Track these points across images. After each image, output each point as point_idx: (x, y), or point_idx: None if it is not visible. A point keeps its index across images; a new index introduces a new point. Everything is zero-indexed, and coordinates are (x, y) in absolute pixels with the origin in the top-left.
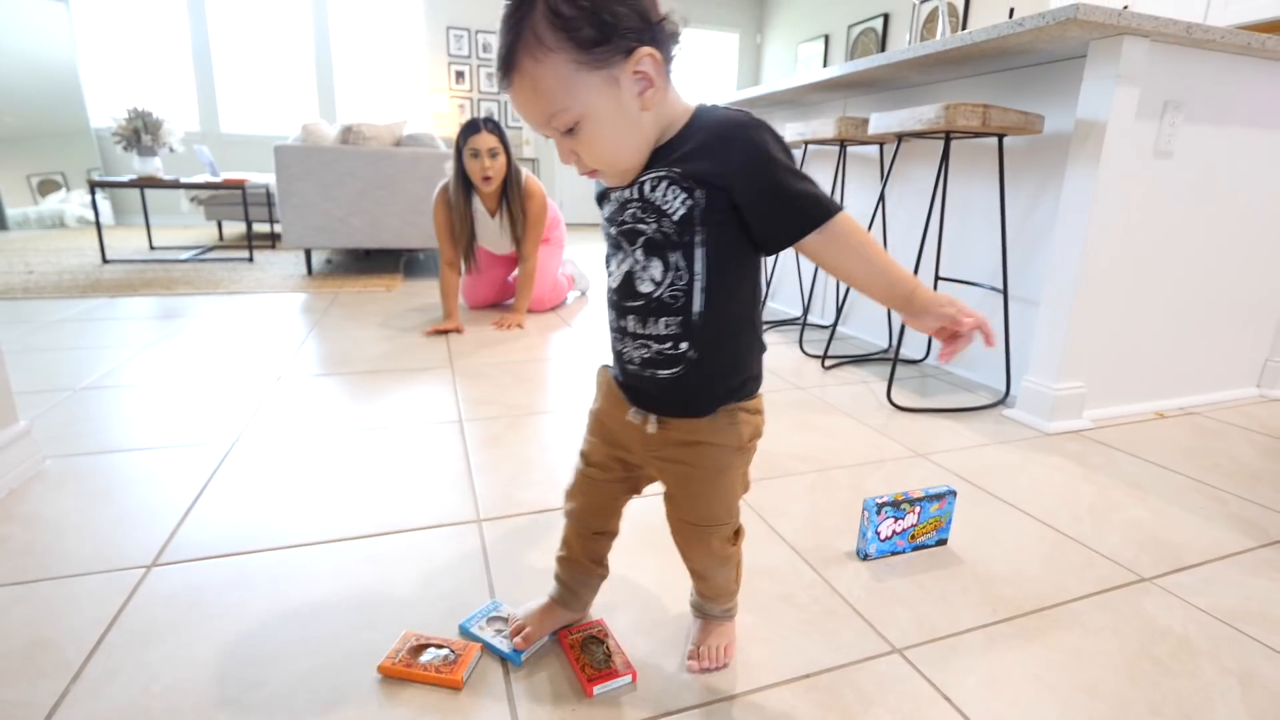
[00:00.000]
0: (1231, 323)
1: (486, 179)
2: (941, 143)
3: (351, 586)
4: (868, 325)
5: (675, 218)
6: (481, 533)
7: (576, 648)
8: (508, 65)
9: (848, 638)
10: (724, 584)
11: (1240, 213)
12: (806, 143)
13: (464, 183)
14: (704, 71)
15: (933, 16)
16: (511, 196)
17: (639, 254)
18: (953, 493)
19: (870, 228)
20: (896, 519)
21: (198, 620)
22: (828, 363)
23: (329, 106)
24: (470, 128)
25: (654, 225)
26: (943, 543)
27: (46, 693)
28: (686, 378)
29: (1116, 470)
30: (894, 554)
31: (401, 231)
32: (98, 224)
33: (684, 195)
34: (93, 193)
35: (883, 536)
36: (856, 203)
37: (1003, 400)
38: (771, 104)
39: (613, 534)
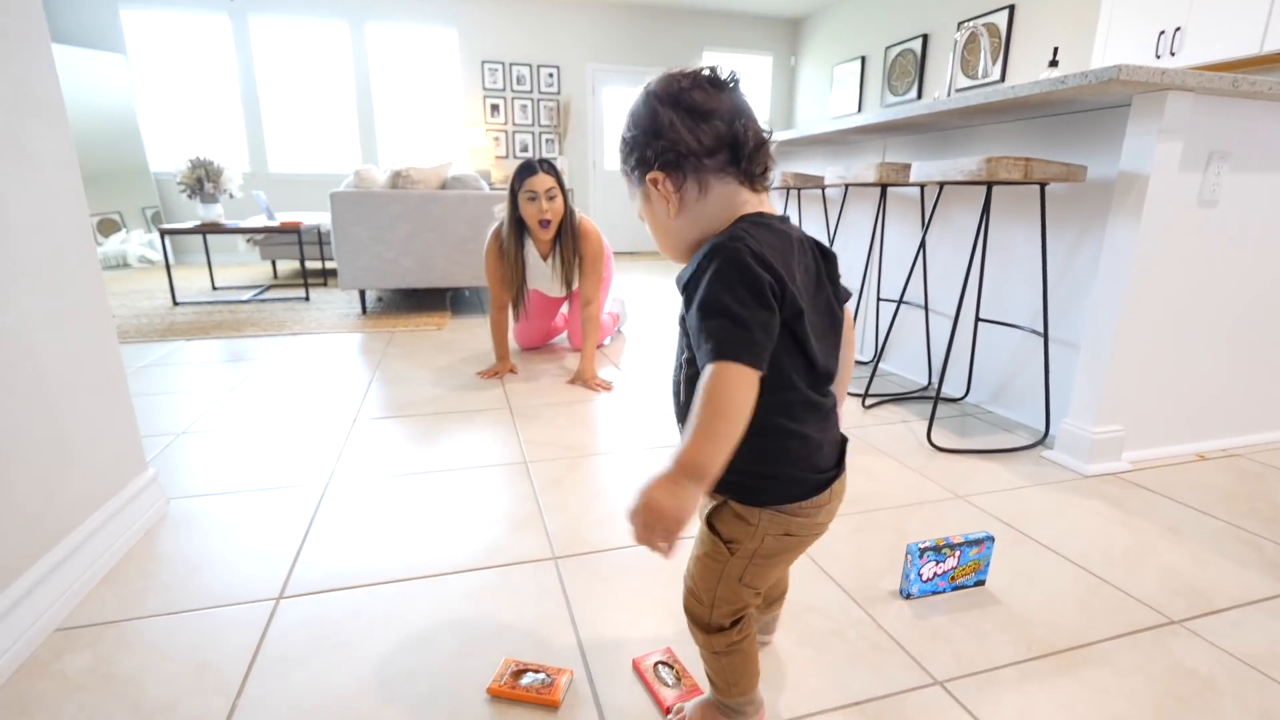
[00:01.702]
0: (1276, 364)
1: (545, 223)
2: (984, 188)
3: (452, 618)
4: (908, 362)
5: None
6: (558, 569)
7: (649, 672)
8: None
9: (893, 670)
10: (711, 673)
11: None
12: (847, 185)
13: (518, 226)
14: None
15: (973, 40)
16: (565, 239)
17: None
18: (990, 538)
19: (911, 269)
20: (938, 562)
21: (328, 648)
22: (868, 401)
23: (370, 142)
24: (527, 169)
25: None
26: (981, 584)
27: (218, 709)
28: None
29: (1153, 514)
30: (935, 594)
31: (449, 271)
32: (168, 268)
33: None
34: (163, 240)
35: (925, 578)
36: (898, 244)
37: (1042, 441)
38: (810, 144)
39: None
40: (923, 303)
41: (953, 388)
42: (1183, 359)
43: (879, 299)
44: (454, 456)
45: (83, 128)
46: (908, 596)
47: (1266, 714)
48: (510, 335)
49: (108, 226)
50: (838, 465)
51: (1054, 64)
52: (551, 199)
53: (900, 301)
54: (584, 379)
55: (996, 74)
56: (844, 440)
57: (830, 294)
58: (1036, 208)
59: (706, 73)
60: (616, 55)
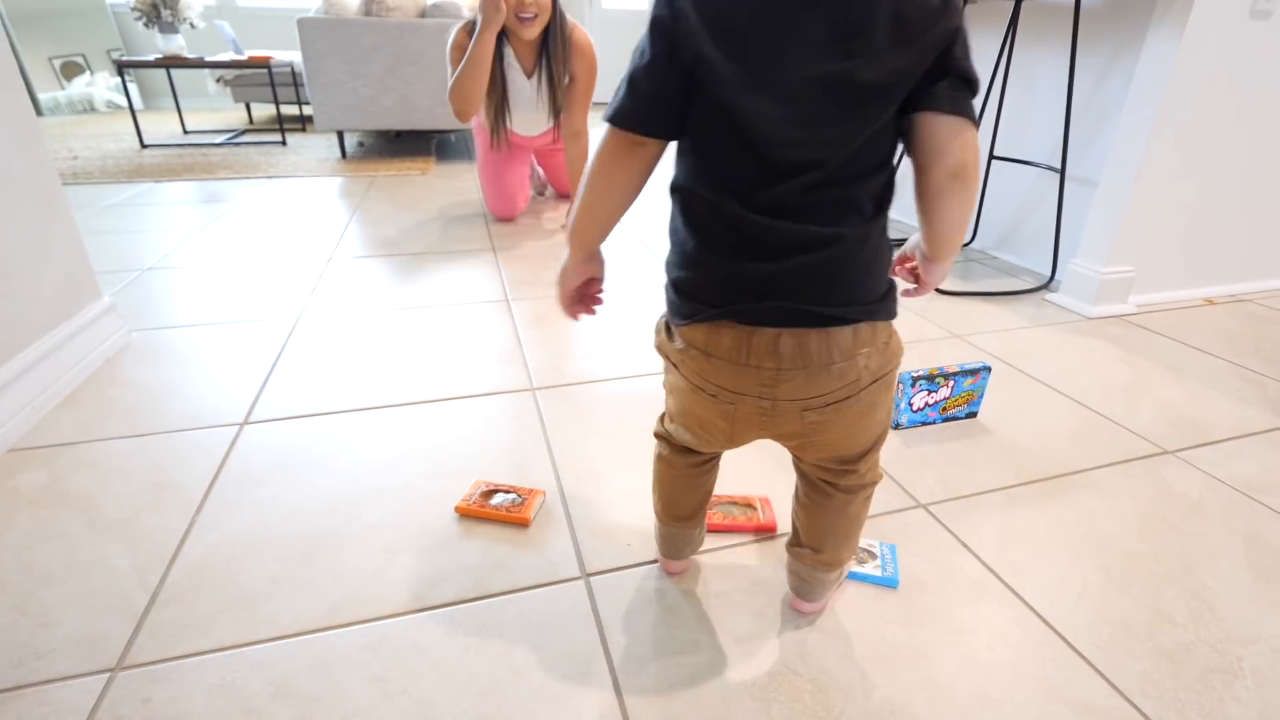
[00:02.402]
0: None
1: (527, 18)
2: (1012, 3)
3: (424, 442)
4: (910, 205)
5: None
6: (536, 400)
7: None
8: None
9: (876, 494)
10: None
11: None
12: None
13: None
14: None
15: None
16: (554, 48)
17: None
18: (987, 369)
19: None
20: (930, 391)
21: (294, 468)
22: None
23: None
24: None
25: None
26: (973, 415)
27: (178, 521)
28: None
29: (1155, 353)
30: (925, 424)
31: (432, 111)
32: (131, 108)
33: None
34: (121, 75)
35: (915, 408)
36: None
37: (1046, 285)
38: None
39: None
40: None
41: None
42: (1203, 199)
43: None
44: (434, 293)
45: None
46: (896, 426)
47: (1252, 534)
48: (485, 199)
49: (71, 70)
50: (746, 312)
51: None
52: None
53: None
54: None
55: None
56: (807, 289)
57: (870, 75)
58: (1067, 27)
59: None
60: None
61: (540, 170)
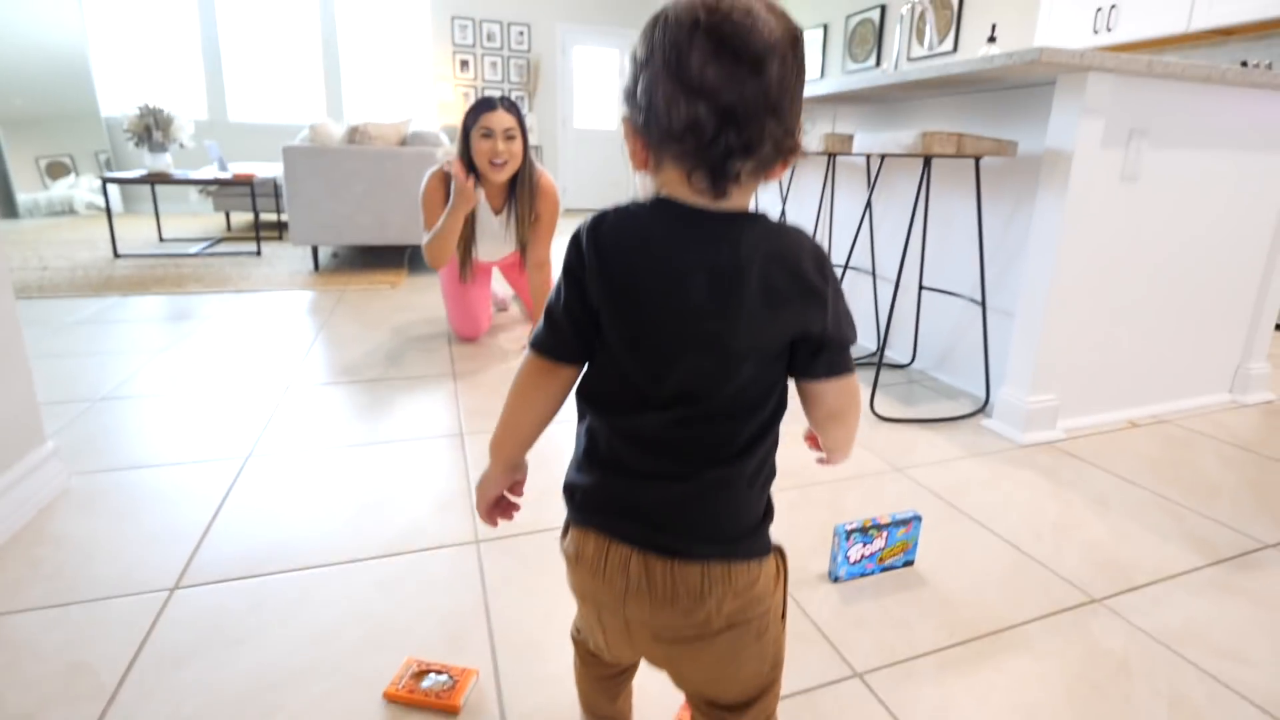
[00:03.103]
0: (1203, 332)
1: (498, 164)
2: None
3: (358, 610)
4: (858, 326)
5: None
6: (479, 554)
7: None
8: None
9: (813, 660)
10: None
11: (1208, 227)
12: None
13: (468, 169)
14: None
15: (926, 12)
16: (521, 191)
17: None
18: (918, 518)
19: (856, 235)
20: (865, 544)
21: (220, 644)
22: None
23: (335, 93)
24: (485, 104)
25: None
26: (910, 564)
27: (87, 713)
28: None
29: (1083, 485)
30: (863, 576)
31: (406, 228)
32: (109, 218)
33: None
34: (105, 189)
35: (852, 560)
36: (845, 210)
37: (983, 409)
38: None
39: None
40: (871, 269)
41: (900, 354)
42: (1112, 328)
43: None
44: (388, 427)
45: (31, 67)
46: (836, 579)
47: (1177, 696)
48: (450, 321)
49: (57, 170)
50: (607, 525)
51: (992, 40)
52: (510, 139)
53: (846, 266)
54: None
55: (949, 45)
56: (667, 523)
57: (732, 331)
58: (974, 180)
59: (728, 26)
60: (587, 15)
61: (500, 290)
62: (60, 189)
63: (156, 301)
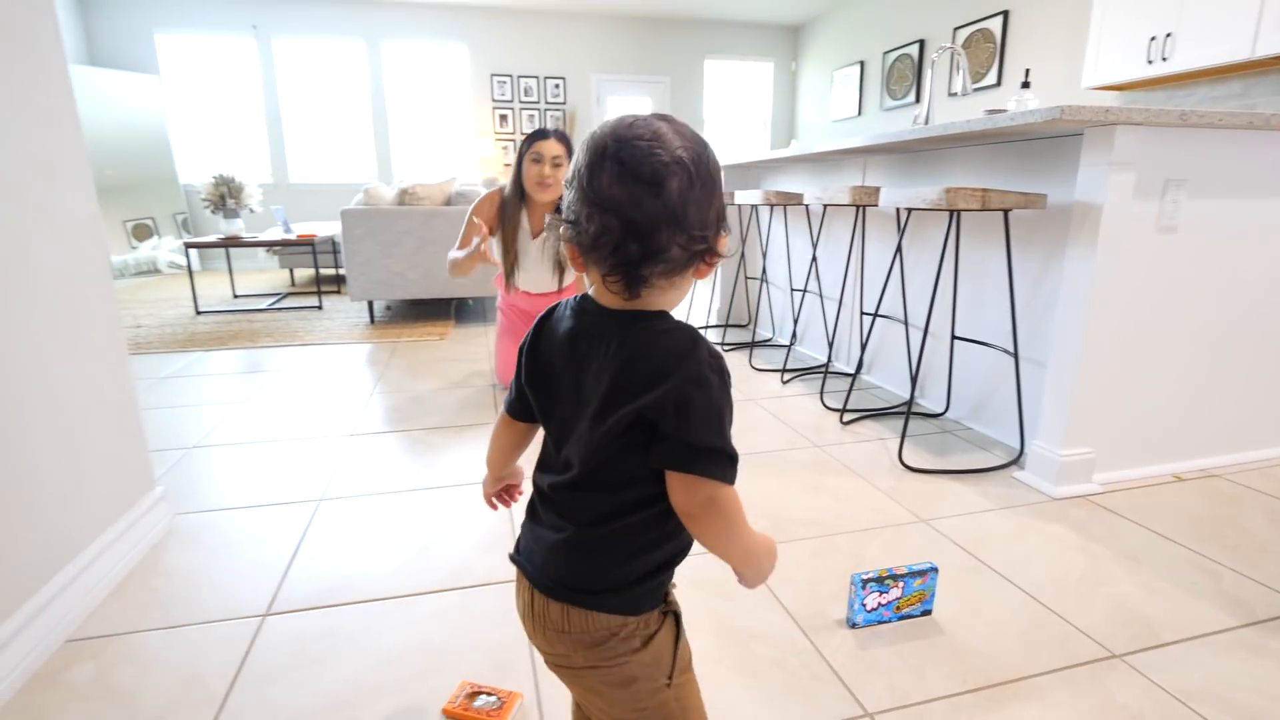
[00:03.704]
0: (1256, 383)
1: (544, 185)
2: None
3: (418, 638)
4: (891, 375)
5: None
6: None
7: None
8: None
9: (827, 701)
10: None
11: (1258, 276)
12: (825, 205)
13: (519, 193)
14: (739, 102)
15: (972, 42)
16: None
17: None
18: (934, 569)
19: (885, 284)
20: (881, 593)
21: (303, 665)
22: (846, 417)
23: (385, 153)
24: (538, 134)
25: None
26: (928, 613)
27: (203, 718)
28: None
29: (1116, 540)
30: (880, 623)
31: (451, 283)
32: (191, 278)
33: None
34: (187, 253)
35: (869, 608)
36: (876, 259)
37: (1016, 460)
38: (795, 162)
39: None
40: (903, 318)
41: (934, 403)
42: (1152, 380)
43: (861, 312)
44: (439, 473)
45: (120, 142)
46: (853, 626)
47: None
48: (495, 360)
49: (142, 231)
50: (524, 563)
51: (1026, 85)
52: (557, 166)
53: (876, 315)
54: None
55: (993, 78)
56: (555, 567)
57: (600, 418)
58: (1004, 230)
59: (627, 151)
60: (620, 65)
61: None
62: (145, 250)
63: (234, 355)
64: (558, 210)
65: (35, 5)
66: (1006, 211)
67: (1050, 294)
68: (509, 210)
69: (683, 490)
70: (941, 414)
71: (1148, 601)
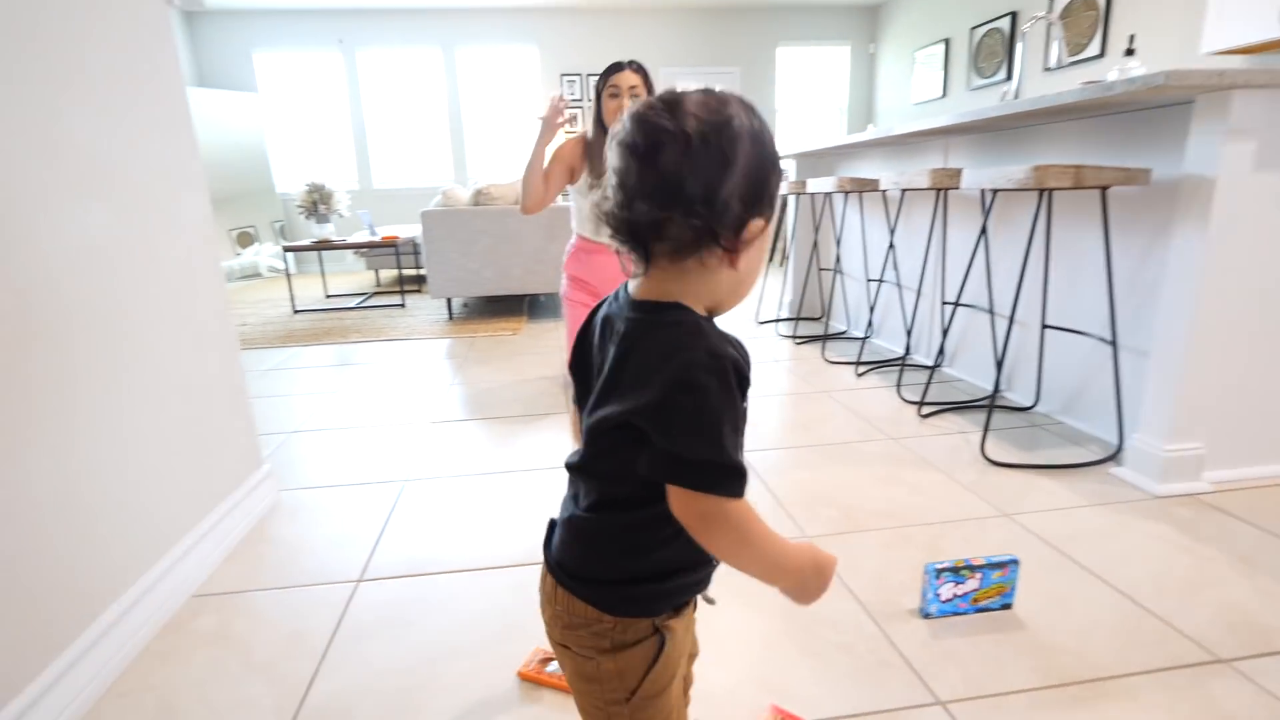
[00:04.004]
0: None
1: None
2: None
3: (495, 607)
4: (975, 366)
5: None
6: None
7: None
8: None
9: (895, 687)
10: None
11: None
12: (903, 190)
13: (603, 133)
14: (813, 90)
15: (1072, 11)
16: None
17: None
18: (1015, 562)
19: (967, 272)
20: (956, 583)
21: (392, 626)
22: (925, 410)
23: (460, 155)
24: (613, 67)
25: None
26: (1008, 607)
27: (306, 668)
28: None
29: (1227, 542)
30: (956, 614)
31: (525, 279)
32: (289, 280)
33: None
34: (285, 257)
35: (943, 598)
36: (959, 244)
37: (1113, 456)
38: (871, 147)
39: None
40: (988, 306)
41: (1022, 396)
42: (1274, 371)
43: (942, 302)
44: (514, 458)
45: (226, 157)
46: (926, 616)
47: None
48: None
49: (245, 239)
50: (550, 539)
51: (1130, 53)
52: (635, 98)
53: (957, 304)
54: None
55: (1095, 48)
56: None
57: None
58: (1101, 210)
59: (635, 123)
60: (689, 58)
61: None
62: (248, 255)
63: (327, 350)
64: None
65: (158, 31)
66: (1104, 189)
67: (1154, 276)
68: (594, 151)
69: (678, 502)
70: (1030, 407)
71: (1263, 607)
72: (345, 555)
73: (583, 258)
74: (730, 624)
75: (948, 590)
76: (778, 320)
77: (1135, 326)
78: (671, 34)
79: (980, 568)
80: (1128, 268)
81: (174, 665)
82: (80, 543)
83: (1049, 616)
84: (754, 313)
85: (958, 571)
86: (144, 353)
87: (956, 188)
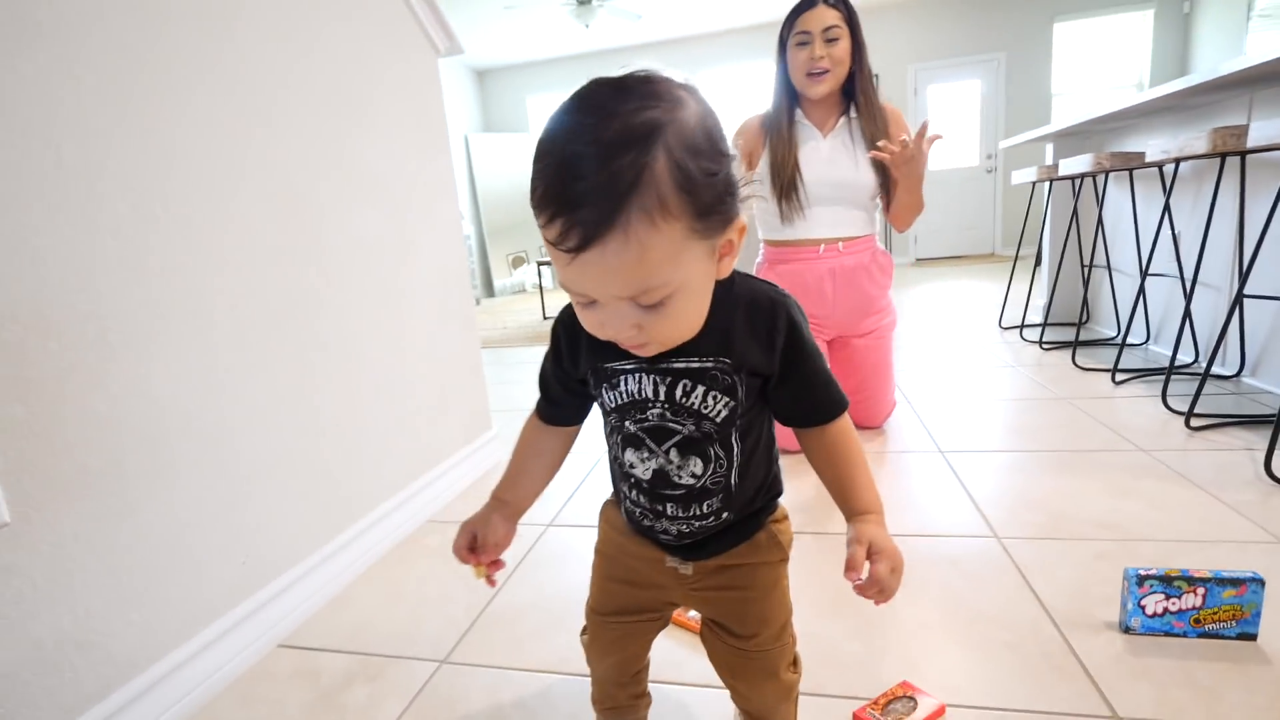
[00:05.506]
0: None
1: (816, 75)
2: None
3: None
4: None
5: (718, 420)
6: None
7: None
8: (605, 225)
9: (1064, 694)
10: None
11: None
12: (1177, 161)
13: (789, 96)
14: (1101, 68)
15: None
16: (861, 108)
17: (673, 454)
18: (1259, 580)
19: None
20: (1168, 596)
21: (566, 562)
22: (1196, 422)
23: None
24: (802, 4)
25: (691, 427)
26: (1248, 637)
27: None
28: (726, 531)
29: None
30: (1168, 634)
31: None
32: (541, 293)
33: (725, 398)
34: (539, 272)
35: (1148, 612)
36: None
37: None
38: (1146, 114)
39: (648, 664)
40: None
41: None
42: None
43: (1239, 295)
44: None
45: (504, 191)
46: (1126, 630)
47: None
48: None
49: (517, 261)
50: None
51: None
52: (831, 41)
53: (1252, 298)
54: None
55: None
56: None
57: None
58: None
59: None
60: (944, 50)
61: None
62: (518, 275)
63: None
64: (846, 101)
65: (428, 76)
66: None
67: None
68: (777, 122)
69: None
70: None
71: None
72: (541, 505)
73: (776, 271)
74: (882, 609)
75: (1154, 603)
76: (1022, 326)
77: None
78: (923, 26)
79: (1204, 581)
80: None
81: (406, 566)
82: (351, 459)
83: None
84: (997, 318)
85: (1169, 581)
86: (407, 320)
87: (1240, 152)
